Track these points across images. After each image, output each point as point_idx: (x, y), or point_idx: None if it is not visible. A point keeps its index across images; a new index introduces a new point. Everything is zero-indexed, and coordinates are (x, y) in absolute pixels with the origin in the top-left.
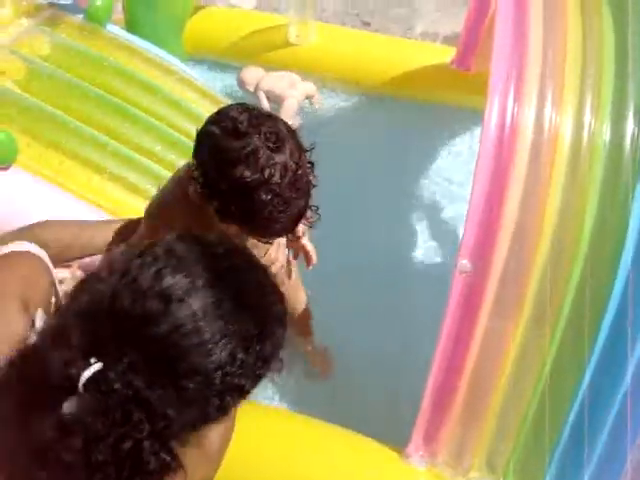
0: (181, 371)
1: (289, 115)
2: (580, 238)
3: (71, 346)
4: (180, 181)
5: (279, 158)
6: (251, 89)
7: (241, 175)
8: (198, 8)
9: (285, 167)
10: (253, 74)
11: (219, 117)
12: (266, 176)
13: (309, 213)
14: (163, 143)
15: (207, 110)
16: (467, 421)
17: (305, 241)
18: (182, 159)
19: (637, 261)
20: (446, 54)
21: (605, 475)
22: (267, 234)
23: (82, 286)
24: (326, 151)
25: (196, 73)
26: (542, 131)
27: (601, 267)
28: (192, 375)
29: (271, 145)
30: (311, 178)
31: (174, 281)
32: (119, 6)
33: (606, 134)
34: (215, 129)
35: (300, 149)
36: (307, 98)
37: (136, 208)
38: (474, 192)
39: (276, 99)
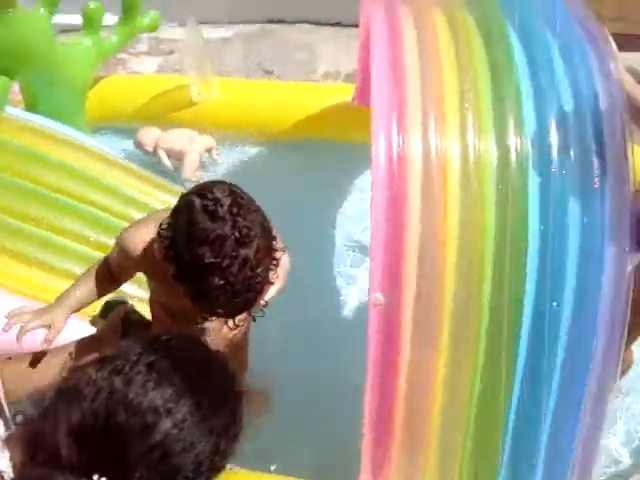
0: (175, 468)
1: (192, 169)
2: (484, 253)
3: (70, 465)
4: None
5: (243, 252)
6: (150, 149)
7: (203, 254)
8: (98, 78)
9: (245, 261)
10: (150, 134)
11: (205, 191)
12: (224, 264)
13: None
14: (82, 221)
15: (120, 181)
16: (410, 451)
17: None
18: (102, 234)
19: (543, 267)
20: (349, 92)
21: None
22: (208, 312)
23: (64, 404)
24: None
25: (104, 143)
26: (430, 157)
27: (509, 279)
28: (185, 471)
29: (239, 237)
30: (268, 278)
31: (160, 393)
32: (16, 87)
33: (492, 151)
34: (197, 203)
35: (267, 251)
36: (207, 151)
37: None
38: (373, 225)
39: (177, 155)
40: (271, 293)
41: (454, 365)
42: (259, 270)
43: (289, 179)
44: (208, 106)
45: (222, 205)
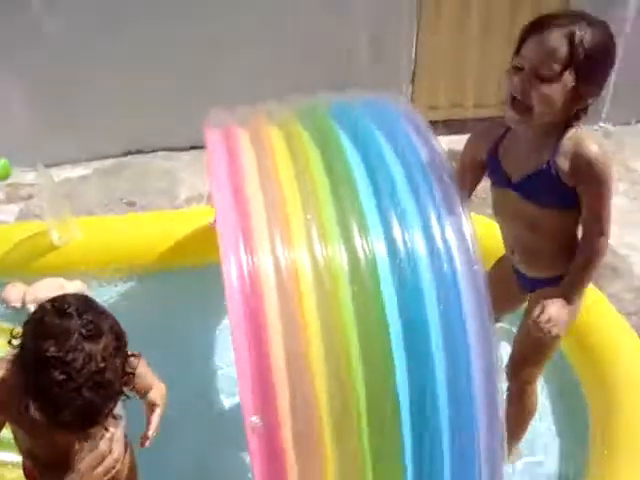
0: None
1: None
2: (350, 352)
3: None
4: None
5: (88, 347)
6: (18, 305)
7: (47, 348)
8: None
9: (90, 357)
10: (16, 290)
11: (57, 298)
12: (67, 358)
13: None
14: None
15: None
16: None
17: (155, 417)
18: None
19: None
20: (212, 213)
21: None
22: (56, 418)
23: None
24: None
25: None
26: (281, 270)
27: (378, 373)
28: None
29: (85, 333)
30: (118, 385)
31: None
32: None
33: (340, 256)
34: (47, 305)
35: (116, 351)
36: None
37: None
38: (236, 349)
39: None
40: (155, 420)
41: (342, 466)
42: (106, 371)
43: (164, 309)
44: (71, 248)
45: (70, 304)
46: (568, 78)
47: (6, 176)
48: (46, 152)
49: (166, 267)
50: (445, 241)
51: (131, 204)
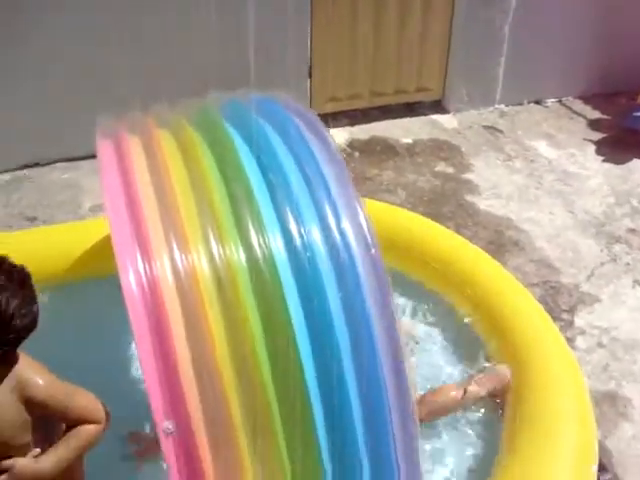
0: None
1: None
2: (256, 351)
3: None
4: None
5: None
6: None
7: None
8: None
9: None
10: None
11: None
12: None
13: None
14: None
15: None
16: None
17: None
18: None
19: (315, 345)
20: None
21: None
22: None
23: None
24: None
25: None
26: (180, 275)
27: (287, 368)
28: None
29: None
30: None
31: None
32: None
33: (239, 255)
34: None
35: None
36: None
37: None
38: (141, 358)
39: None
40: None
41: (261, 462)
42: None
43: (72, 322)
44: None
45: None
46: None
47: None
48: None
49: (74, 280)
50: (341, 230)
51: (31, 219)
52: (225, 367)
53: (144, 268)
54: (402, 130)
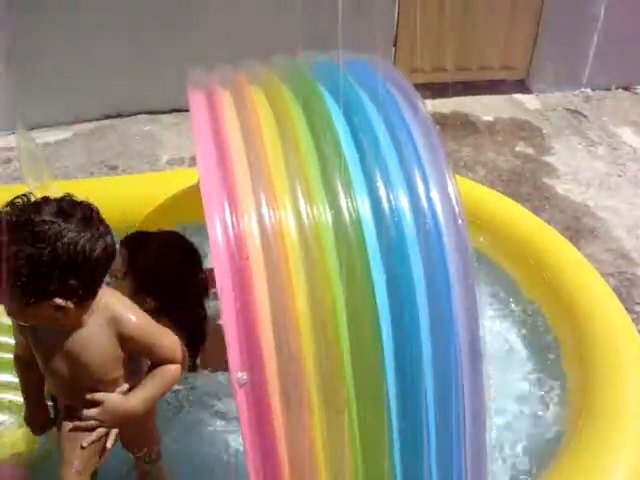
0: None
1: None
2: (336, 312)
3: None
4: None
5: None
6: None
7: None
8: None
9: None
10: None
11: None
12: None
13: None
14: None
15: None
16: None
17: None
18: None
19: (395, 315)
20: (195, 176)
21: None
22: None
23: None
24: None
25: None
26: (267, 230)
27: (364, 333)
28: None
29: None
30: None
31: None
32: None
33: (325, 214)
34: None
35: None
36: None
37: None
38: (223, 307)
39: None
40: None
41: (329, 425)
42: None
43: None
44: None
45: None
46: None
47: None
48: (25, 115)
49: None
50: (429, 198)
51: (113, 168)
52: (303, 324)
53: (231, 221)
54: (483, 107)
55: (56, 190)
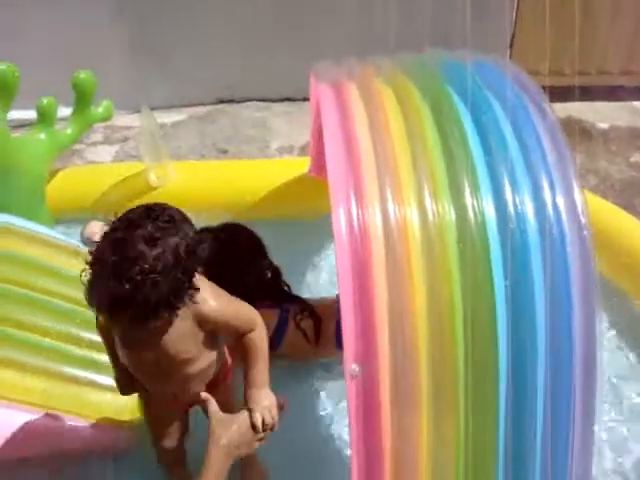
0: None
1: None
2: (454, 312)
3: None
4: None
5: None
6: None
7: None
8: (56, 171)
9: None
10: (99, 226)
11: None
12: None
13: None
14: (52, 316)
15: None
16: None
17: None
18: (74, 327)
19: (513, 320)
20: (304, 165)
21: None
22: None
23: None
24: None
25: (66, 235)
26: (390, 225)
27: (481, 335)
28: None
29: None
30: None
31: None
32: None
33: (450, 213)
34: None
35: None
36: None
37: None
38: (342, 297)
39: None
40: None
41: (437, 425)
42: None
43: None
44: (166, 191)
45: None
46: None
47: (108, 117)
48: (144, 96)
49: (260, 216)
50: (555, 205)
51: (223, 151)
52: (420, 321)
53: (356, 212)
54: (599, 114)
55: (172, 170)
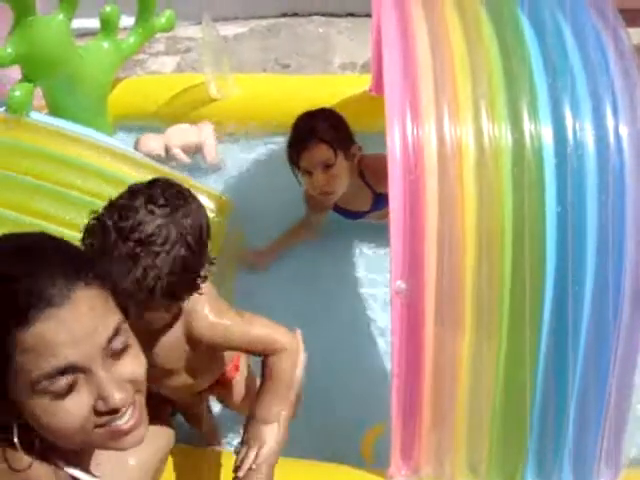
0: None
1: (216, 155)
2: (504, 236)
3: None
4: None
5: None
6: (162, 153)
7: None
8: (118, 80)
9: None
10: (154, 140)
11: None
12: (121, 223)
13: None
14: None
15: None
16: (438, 432)
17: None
18: None
19: (562, 246)
20: (366, 82)
21: (582, 449)
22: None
23: None
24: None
25: (127, 144)
26: (445, 144)
27: (529, 260)
28: None
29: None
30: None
31: None
32: (40, 91)
33: (506, 136)
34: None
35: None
36: None
37: None
38: (392, 213)
39: (192, 150)
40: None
41: (478, 345)
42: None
43: None
44: (228, 102)
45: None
46: (340, 155)
47: (170, 28)
48: (207, 7)
49: None
50: (617, 133)
51: (285, 66)
52: (469, 240)
53: (411, 130)
54: None
55: (233, 82)
